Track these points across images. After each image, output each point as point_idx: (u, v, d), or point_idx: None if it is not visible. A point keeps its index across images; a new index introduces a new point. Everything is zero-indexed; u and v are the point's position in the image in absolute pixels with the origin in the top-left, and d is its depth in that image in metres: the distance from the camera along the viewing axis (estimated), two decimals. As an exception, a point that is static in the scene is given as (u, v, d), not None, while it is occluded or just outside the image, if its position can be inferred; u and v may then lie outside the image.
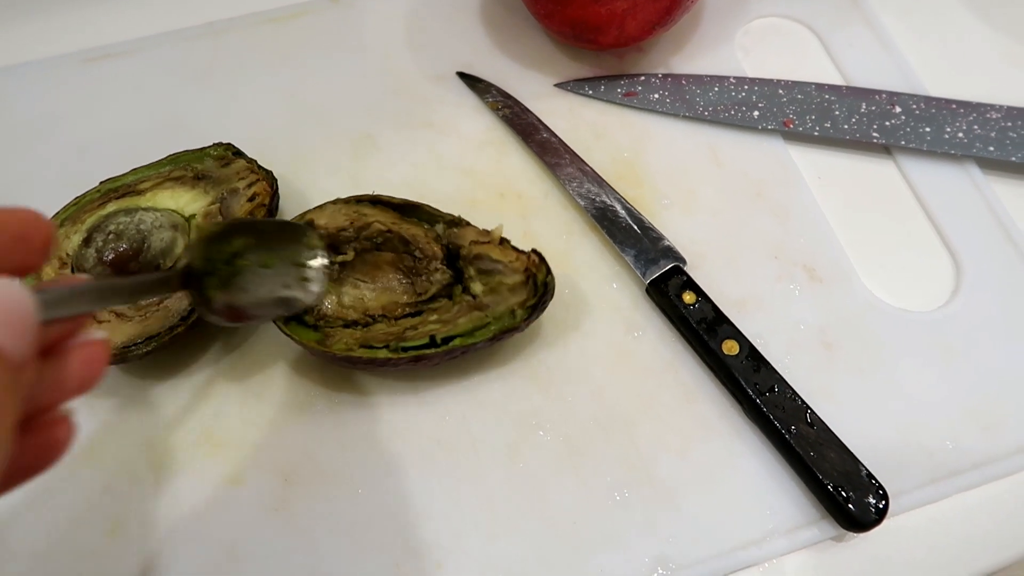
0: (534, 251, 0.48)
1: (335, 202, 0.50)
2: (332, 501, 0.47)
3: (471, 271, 0.48)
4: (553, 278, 0.48)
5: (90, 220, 0.48)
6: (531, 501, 0.47)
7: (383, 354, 0.45)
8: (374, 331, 0.47)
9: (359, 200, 0.50)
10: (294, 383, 0.50)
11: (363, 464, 0.48)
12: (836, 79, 0.62)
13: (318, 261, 0.42)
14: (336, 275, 0.49)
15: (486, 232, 0.49)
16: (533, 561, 0.45)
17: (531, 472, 0.48)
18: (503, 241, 0.49)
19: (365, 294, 0.49)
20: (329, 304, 0.48)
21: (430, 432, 0.49)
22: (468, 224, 0.50)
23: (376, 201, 0.50)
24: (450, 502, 0.47)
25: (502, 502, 0.47)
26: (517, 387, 0.50)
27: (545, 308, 0.48)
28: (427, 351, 0.45)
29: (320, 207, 0.49)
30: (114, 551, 0.45)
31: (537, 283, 0.48)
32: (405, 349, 0.45)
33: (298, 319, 0.47)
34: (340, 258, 0.49)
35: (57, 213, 0.49)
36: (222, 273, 0.40)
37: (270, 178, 0.52)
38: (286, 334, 0.46)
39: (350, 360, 0.46)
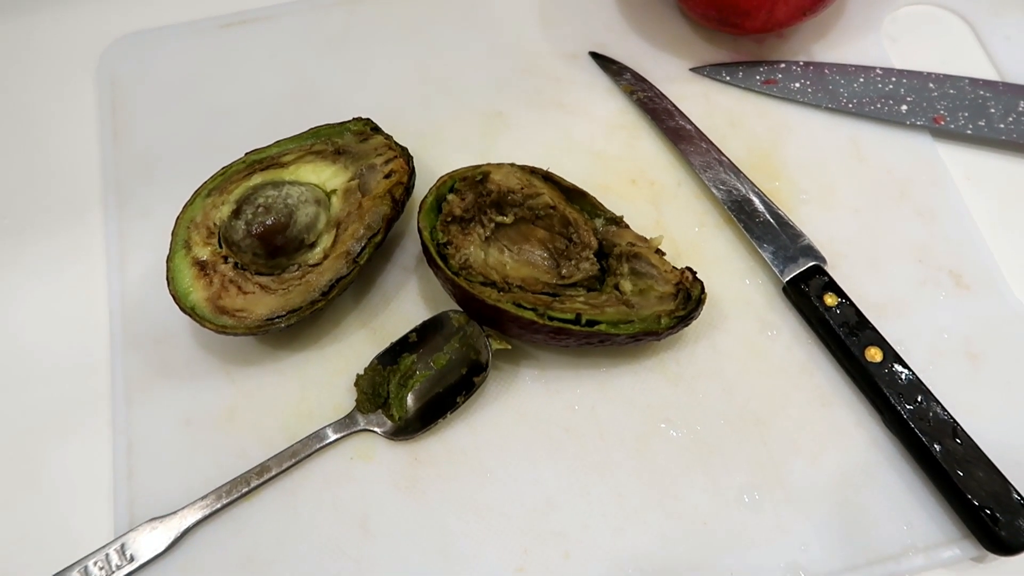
0: (688, 268, 0.48)
1: (511, 165, 0.50)
2: (461, 482, 0.47)
3: (624, 269, 0.48)
4: (706, 296, 0.48)
5: (237, 191, 0.49)
6: (659, 496, 0.47)
7: (529, 315, 0.45)
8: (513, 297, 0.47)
9: (533, 171, 0.50)
10: (424, 362, 0.50)
11: (492, 447, 0.48)
12: (990, 74, 0.59)
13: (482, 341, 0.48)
14: (490, 233, 0.49)
15: (644, 239, 0.49)
16: (660, 557, 0.45)
17: (659, 466, 0.47)
18: (658, 252, 0.49)
19: (508, 261, 0.49)
20: (473, 258, 0.48)
21: (559, 420, 0.49)
22: (628, 227, 0.50)
23: (548, 177, 0.50)
24: (578, 491, 0.47)
25: (630, 495, 0.47)
26: (646, 380, 0.50)
27: (690, 323, 0.48)
28: (571, 326, 0.45)
29: (497, 165, 0.50)
30: (245, 515, 0.47)
31: (691, 297, 0.47)
32: (551, 318, 0.45)
33: (444, 261, 0.47)
34: (499, 219, 0.49)
35: (204, 183, 0.50)
36: (398, 396, 0.48)
37: (406, 155, 0.52)
38: (436, 266, 0.47)
39: (497, 311, 0.46)
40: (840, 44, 0.60)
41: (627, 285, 0.47)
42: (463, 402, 0.48)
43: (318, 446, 0.47)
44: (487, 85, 0.60)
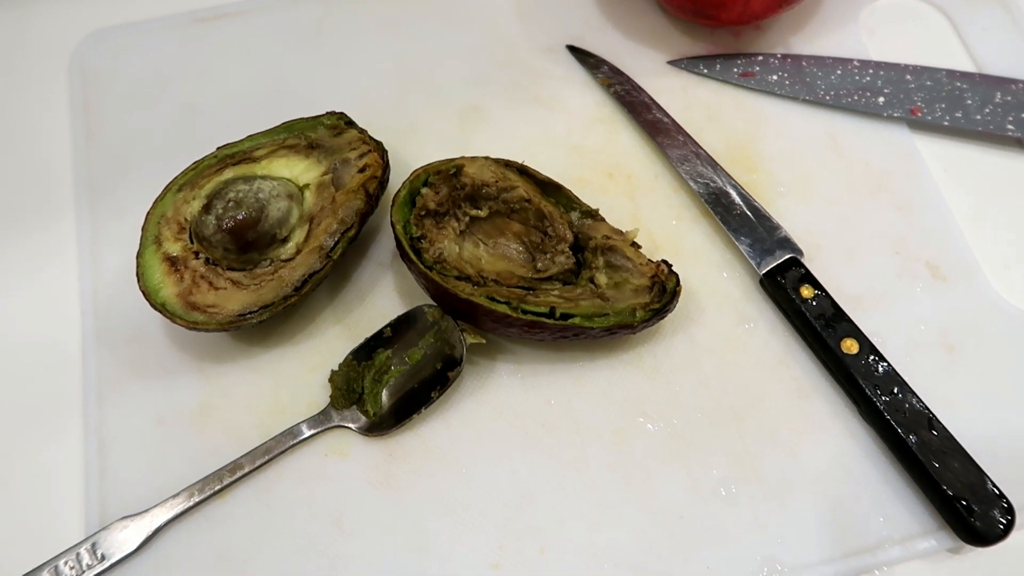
0: (664, 261, 0.48)
1: (486, 158, 0.50)
2: (436, 478, 0.47)
3: (599, 262, 0.47)
4: (681, 289, 0.47)
5: (208, 186, 0.48)
6: (636, 490, 0.46)
7: (503, 309, 0.45)
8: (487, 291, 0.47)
9: (508, 164, 0.50)
10: (399, 357, 0.50)
11: (467, 443, 0.48)
12: (968, 66, 0.59)
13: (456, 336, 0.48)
14: (464, 227, 0.49)
15: (619, 232, 0.49)
16: (637, 552, 0.45)
17: (636, 461, 0.47)
18: (634, 245, 0.48)
19: (483, 255, 0.49)
20: (448, 252, 0.48)
21: (535, 415, 0.48)
22: (603, 219, 0.49)
23: (523, 171, 0.50)
24: (554, 486, 0.47)
25: (607, 490, 0.46)
26: (623, 374, 0.49)
27: (665, 316, 0.47)
28: (545, 320, 0.45)
29: (472, 158, 0.49)
30: (219, 513, 0.46)
31: (666, 289, 0.47)
32: (525, 312, 0.45)
33: (418, 255, 0.47)
34: (474, 212, 0.49)
35: (176, 178, 0.49)
36: (373, 392, 0.48)
37: (381, 149, 0.52)
38: (410, 260, 0.46)
39: (470, 305, 0.45)
40: (818, 36, 0.60)
41: (602, 278, 0.47)
42: (438, 397, 0.47)
43: (292, 443, 0.47)
44: (464, 79, 0.59)
